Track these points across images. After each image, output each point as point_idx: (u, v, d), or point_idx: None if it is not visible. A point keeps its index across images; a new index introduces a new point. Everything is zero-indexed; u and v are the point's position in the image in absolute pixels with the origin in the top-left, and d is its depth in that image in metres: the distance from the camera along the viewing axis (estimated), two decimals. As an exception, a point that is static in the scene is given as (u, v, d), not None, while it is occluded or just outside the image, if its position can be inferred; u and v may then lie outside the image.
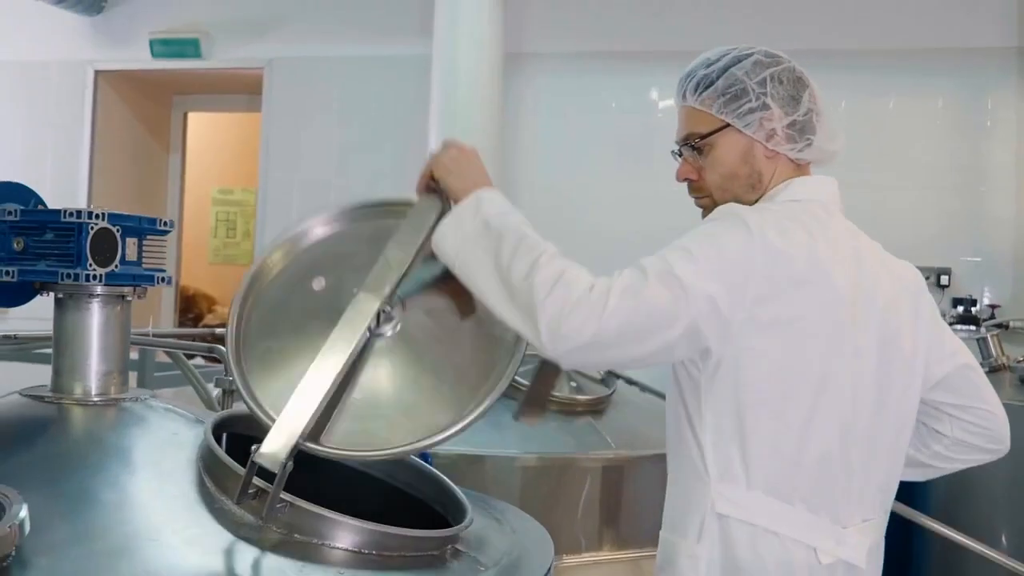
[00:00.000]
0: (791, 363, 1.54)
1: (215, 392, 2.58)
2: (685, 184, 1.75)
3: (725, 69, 1.68)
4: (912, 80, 5.59)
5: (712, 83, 1.68)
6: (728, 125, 1.67)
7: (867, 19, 5.61)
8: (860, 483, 1.63)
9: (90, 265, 1.52)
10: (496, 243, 1.48)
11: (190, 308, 8.81)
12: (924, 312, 1.74)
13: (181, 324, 7.92)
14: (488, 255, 1.47)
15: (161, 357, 4.00)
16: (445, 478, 1.70)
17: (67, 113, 6.94)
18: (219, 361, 4.64)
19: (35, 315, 2.58)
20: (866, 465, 1.64)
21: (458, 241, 1.50)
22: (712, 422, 1.57)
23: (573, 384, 2.99)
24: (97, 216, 1.53)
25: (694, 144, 1.70)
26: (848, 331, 1.58)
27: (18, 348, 2.29)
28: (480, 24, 5.52)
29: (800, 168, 1.71)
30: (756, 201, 1.68)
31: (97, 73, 6.94)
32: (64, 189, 6.60)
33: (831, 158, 1.74)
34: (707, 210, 1.71)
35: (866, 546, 1.64)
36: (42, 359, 4.00)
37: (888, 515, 1.74)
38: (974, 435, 1.81)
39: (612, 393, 3.03)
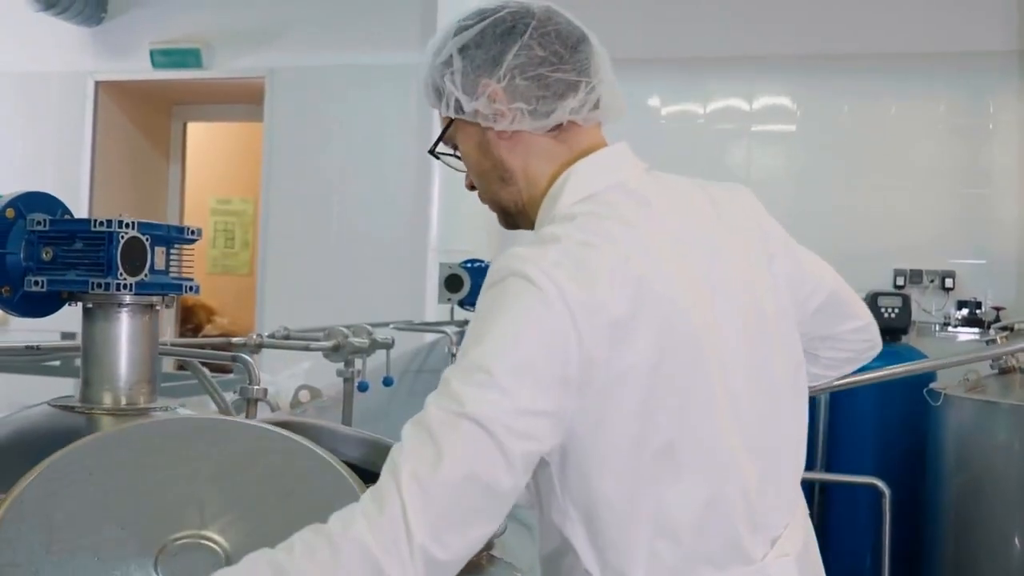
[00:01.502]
0: (647, 414, 1.23)
1: (232, 399, 2.58)
2: None
3: (427, 59, 1.41)
4: (914, 84, 5.61)
5: (423, 78, 1.43)
6: (453, 120, 1.40)
7: (868, 24, 5.63)
8: (767, 496, 1.35)
9: (120, 274, 1.51)
10: None
11: (189, 319, 8.80)
12: (775, 249, 1.45)
13: (181, 335, 7.91)
14: None
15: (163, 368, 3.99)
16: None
17: (67, 124, 6.93)
18: (225, 371, 4.63)
19: (37, 326, 2.58)
20: (768, 473, 1.36)
21: None
22: (578, 518, 1.28)
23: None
24: (127, 225, 1.52)
25: (437, 152, 1.47)
26: (703, 345, 1.28)
27: (36, 359, 2.29)
28: (482, 32, 5.54)
29: (572, 144, 1.39)
30: (523, 197, 1.40)
31: (97, 84, 6.93)
32: (64, 200, 6.55)
33: (609, 114, 1.42)
34: (498, 217, 1.49)
35: (794, 568, 1.37)
36: (50, 371, 3.99)
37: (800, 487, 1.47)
38: (851, 350, 1.67)
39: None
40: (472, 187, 1.48)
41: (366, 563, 1.07)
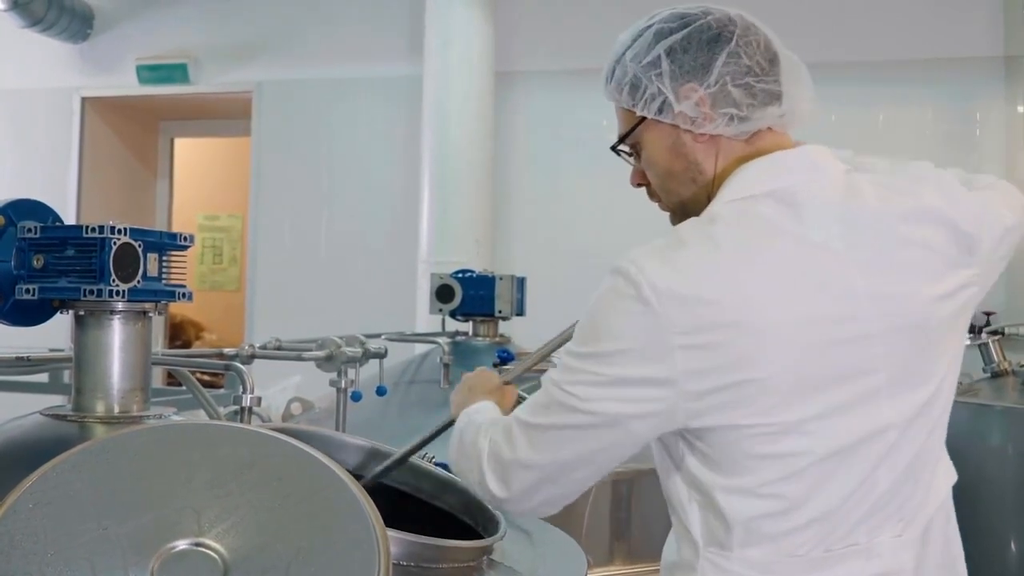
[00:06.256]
0: (764, 405, 1.26)
1: (224, 412, 2.56)
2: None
3: (620, 54, 1.42)
4: (901, 91, 5.63)
5: (613, 73, 1.43)
6: (645, 119, 1.41)
7: (855, 31, 5.66)
8: (898, 490, 1.36)
9: (113, 281, 1.49)
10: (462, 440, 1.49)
11: (178, 335, 8.77)
12: (967, 243, 1.44)
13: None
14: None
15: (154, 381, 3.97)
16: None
17: (54, 140, 6.91)
18: (215, 387, 4.60)
19: (21, 344, 2.55)
20: (899, 472, 1.36)
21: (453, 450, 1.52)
22: (690, 480, 1.35)
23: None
24: (119, 231, 1.51)
25: (618, 148, 1.48)
26: (832, 337, 1.28)
27: (24, 370, 2.26)
28: (471, 44, 5.54)
29: (756, 144, 1.40)
30: (708, 194, 1.39)
31: (84, 100, 6.91)
32: (52, 217, 6.54)
33: (801, 120, 1.43)
34: (672, 215, 1.48)
35: (912, 548, 1.38)
36: (37, 388, 3.96)
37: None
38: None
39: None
40: (639, 185, 1.50)
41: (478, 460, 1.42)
